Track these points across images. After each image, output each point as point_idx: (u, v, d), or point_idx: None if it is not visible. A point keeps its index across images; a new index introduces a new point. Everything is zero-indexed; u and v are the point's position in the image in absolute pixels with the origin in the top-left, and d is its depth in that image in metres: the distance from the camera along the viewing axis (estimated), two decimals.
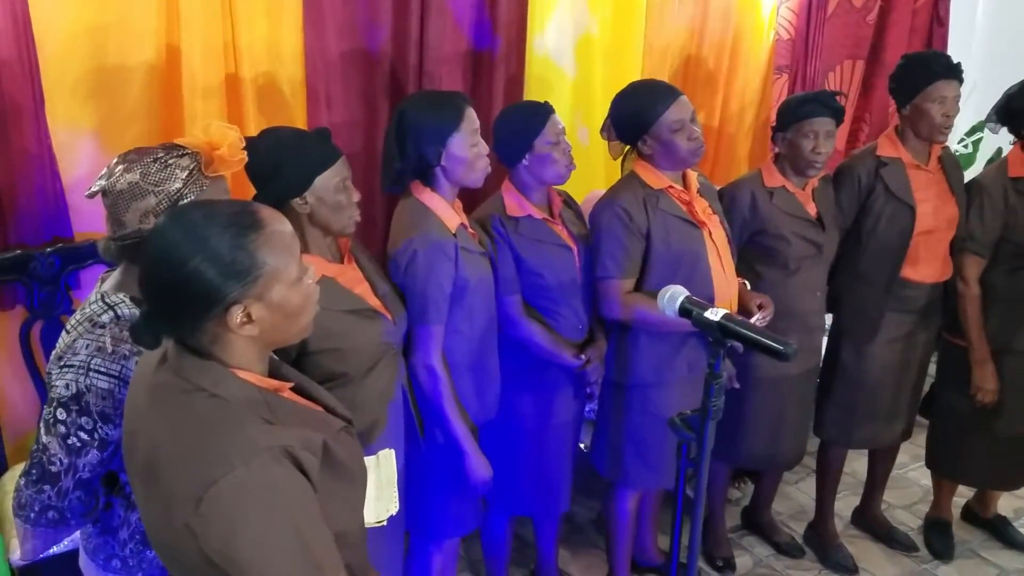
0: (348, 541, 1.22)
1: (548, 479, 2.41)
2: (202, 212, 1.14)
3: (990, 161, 3.95)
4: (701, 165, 2.77)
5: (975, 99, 3.55)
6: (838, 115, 2.43)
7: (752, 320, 2.22)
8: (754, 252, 2.52)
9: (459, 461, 2.07)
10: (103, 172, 1.46)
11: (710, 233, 2.27)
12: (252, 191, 1.79)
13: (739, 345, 1.57)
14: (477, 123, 2.02)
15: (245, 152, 1.50)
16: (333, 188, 1.77)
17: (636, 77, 3.12)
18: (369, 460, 1.70)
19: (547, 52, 3.01)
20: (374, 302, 1.88)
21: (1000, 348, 2.65)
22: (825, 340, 2.80)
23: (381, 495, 1.82)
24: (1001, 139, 3.01)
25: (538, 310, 2.24)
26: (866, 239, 2.60)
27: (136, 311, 1.42)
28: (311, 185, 1.75)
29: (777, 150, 2.52)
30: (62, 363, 1.40)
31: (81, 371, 1.37)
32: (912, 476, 3.43)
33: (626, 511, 2.55)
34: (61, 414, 1.37)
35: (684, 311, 1.59)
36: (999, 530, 3.09)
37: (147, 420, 1.16)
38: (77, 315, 1.47)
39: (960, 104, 2.52)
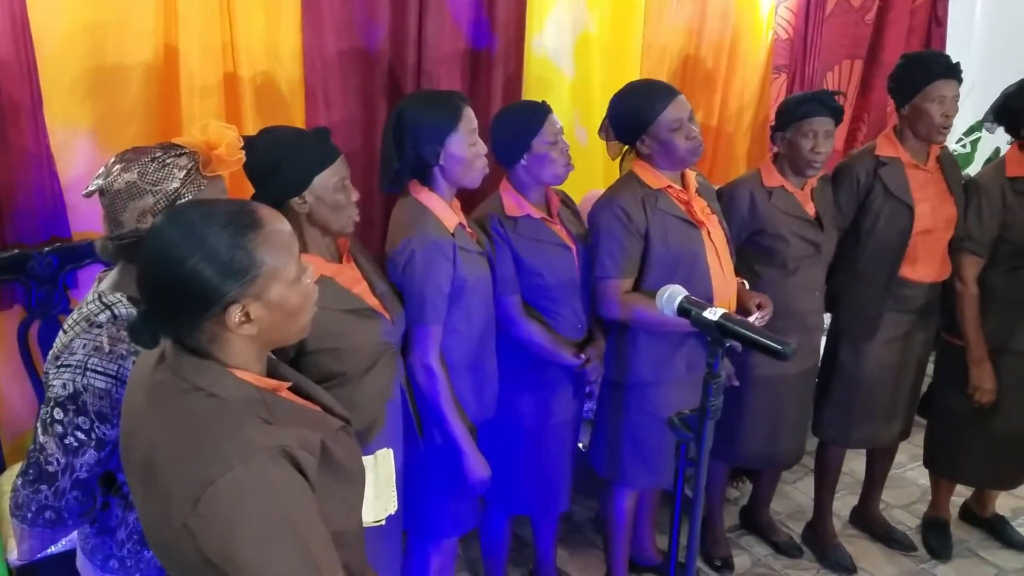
0: (346, 541, 1.22)
1: (547, 479, 2.41)
2: (200, 211, 1.14)
3: (988, 161, 3.95)
4: (699, 165, 2.77)
5: (973, 99, 3.55)
6: (837, 115, 2.43)
7: (751, 320, 2.22)
8: (753, 252, 2.52)
9: (457, 461, 2.07)
10: (100, 171, 1.46)
11: (709, 233, 2.27)
12: (250, 190, 1.79)
13: (738, 344, 1.57)
14: (475, 123, 2.02)
15: (243, 152, 1.50)
16: (332, 187, 1.77)
17: (635, 77, 3.12)
18: (367, 460, 1.70)
19: (545, 52, 3.01)
20: (372, 302, 1.88)
21: (998, 348, 2.65)
22: (824, 340, 2.80)
23: (379, 495, 1.82)
24: (999, 139, 3.01)
25: (537, 310, 2.24)
26: (865, 239, 2.60)
27: (133, 310, 1.42)
28: (310, 184, 1.75)
29: (776, 150, 2.52)
30: (59, 363, 1.40)
31: (78, 371, 1.37)
32: (910, 476, 3.44)
33: (623, 510, 2.55)
34: (58, 414, 1.37)
35: (683, 311, 1.59)
36: (997, 529, 3.09)
37: (145, 420, 1.16)
38: (74, 315, 1.46)
39: (959, 104, 2.52)
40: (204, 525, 1.06)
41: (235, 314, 1.11)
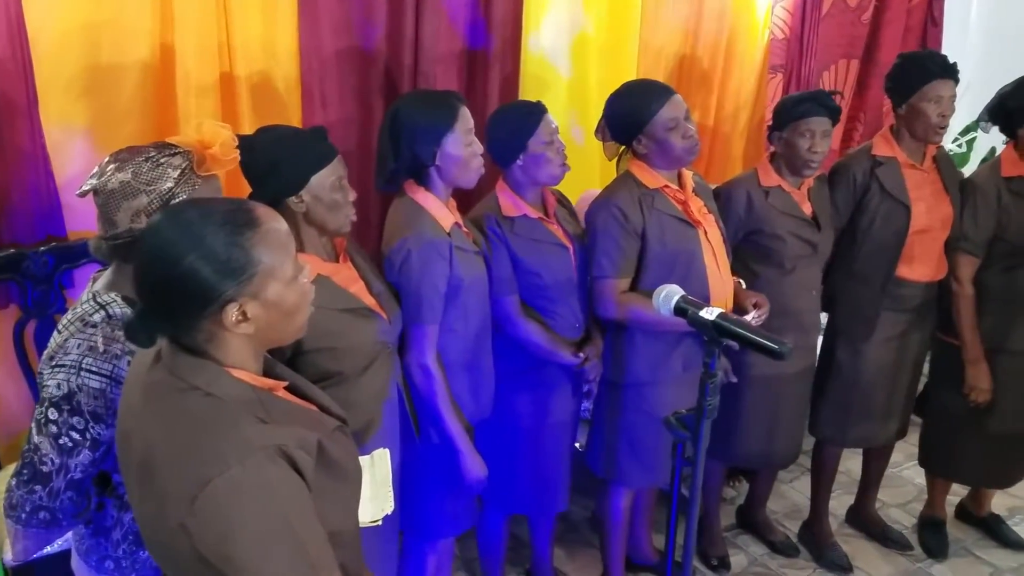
0: (342, 540, 1.22)
1: (545, 478, 2.41)
2: (197, 210, 1.13)
3: (984, 161, 3.95)
4: (696, 165, 2.78)
5: (969, 99, 3.55)
6: (834, 114, 2.43)
7: (747, 319, 2.23)
8: (750, 251, 2.52)
9: (454, 461, 2.07)
10: (95, 171, 1.46)
11: (705, 232, 2.27)
12: (247, 189, 1.79)
13: (735, 344, 1.57)
14: (471, 123, 2.01)
15: (237, 151, 1.50)
16: (329, 187, 1.76)
17: (631, 77, 3.12)
18: (364, 459, 1.70)
19: (542, 52, 3.01)
20: (369, 301, 1.87)
21: (994, 347, 2.65)
22: (820, 339, 2.81)
23: (376, 494, 1.82)
24: (995, 139, 3.01)
25: (535, 309, 2.24)
26: (861, 238, 2.60)
27: (128, 310, 1.42)
28: (307, 184, 1.74)
29: (773, 149, 2.53)
30: (54, 363, 1.39)
31: (72, 371, 1.37)
32: (906, 475, 3.44)
33: (620, 510, 2.55)
34: (52, 414, 1.37)
35: (679, 310, 1.59)
36: (993, 528, 3.10)
37: (142, 419, 1.16)
38: (69, 315, 1.46)
39: (955, 104, 2.53)
40: (201, 525, 1.05)
41: (232, 313, 1.11)
